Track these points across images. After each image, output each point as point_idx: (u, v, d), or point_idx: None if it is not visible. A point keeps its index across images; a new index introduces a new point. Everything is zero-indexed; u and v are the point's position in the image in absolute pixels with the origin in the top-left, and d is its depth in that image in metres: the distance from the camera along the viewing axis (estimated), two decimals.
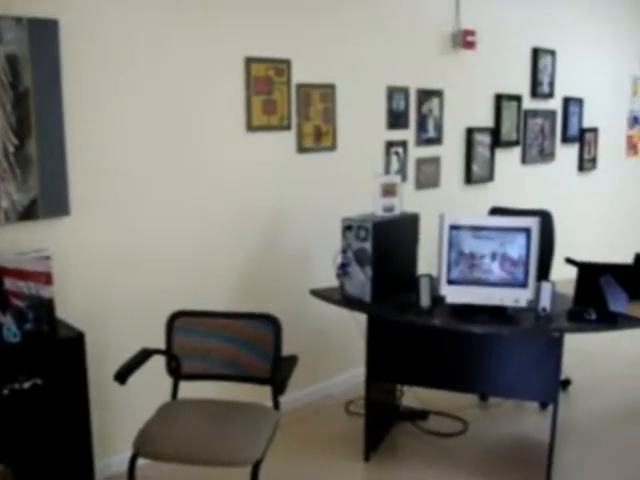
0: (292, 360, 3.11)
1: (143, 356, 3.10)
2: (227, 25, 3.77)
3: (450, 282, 3.52)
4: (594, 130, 7.07)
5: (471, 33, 5.10)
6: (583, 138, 6.90)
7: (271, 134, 4.07)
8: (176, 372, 3.22)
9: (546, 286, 3.44)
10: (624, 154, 7.81)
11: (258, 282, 4.16)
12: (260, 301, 4.11)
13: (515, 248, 3.46)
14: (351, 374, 4.76)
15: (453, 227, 3.50)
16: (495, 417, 4.38)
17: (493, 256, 3.48)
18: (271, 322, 3.15)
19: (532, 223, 3.45)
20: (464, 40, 5.06)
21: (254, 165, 4.02)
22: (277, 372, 3.08)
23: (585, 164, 7.03)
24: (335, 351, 4.67)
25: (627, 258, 7.94)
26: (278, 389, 2.93)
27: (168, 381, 3.24)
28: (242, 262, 4.06)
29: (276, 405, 3.13)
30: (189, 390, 3.26)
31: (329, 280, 3.89)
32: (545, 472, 3.66)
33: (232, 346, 3.22)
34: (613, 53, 7.24)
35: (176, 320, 3.21)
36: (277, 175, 4.16)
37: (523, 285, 3.46)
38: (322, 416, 4.37)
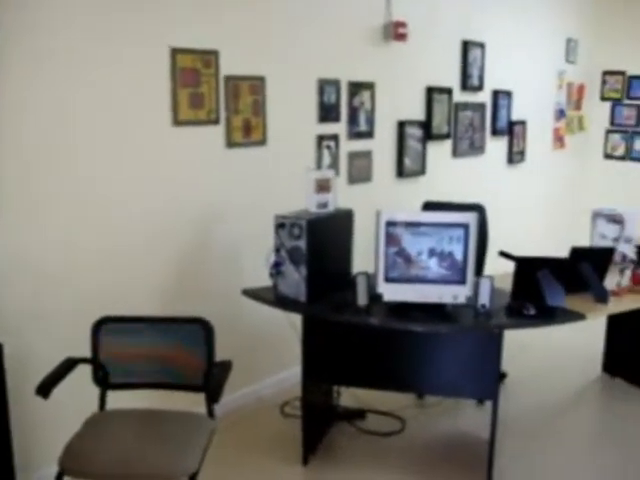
0: (226, 366, 2.97)
1: (67, 366, 2.93)
2: (151, 13, 3.58)
3: (388, 280, 3.43)
4: (522, 123, 7.10)
5: (402, 25, 5.02)
6: (512, 131, 6.93)
7: (199, 129, 3.90)
8: (103, 382, 3.05)
9: (485, 282, 3.39)
10: (551, 147, 7.89)
11: (188, 284, 3.99)
12: (190, 303, 3.94)
13: (453, 244, 3.39)
14: (285, 375, 4.64)
15: (390, 223, 3.41)
16: (432, 414, 4.33)
17: (431, 252, 3.40)
18: (203, 326, 3.01)
19: (470, 218, 3.39)
20: (395, 32, 4.98)
21: (181, 161, 3.85)
22: (210, 379, 2.94)
23: (514, 157, 7.05)
24: (268, 352, 4.54)
25: (557, 249, 8.03)
26: (212, 397, 2.79)
27: (95, 392, 3.06)
28: (170, 263, 3.89)
29: (210, 413, 2.99)
30: (118, 400, 3.09)
31: (262, 280, 3.75)
32: (486, 467, 3.63)
33: (162, 352, 3.06)
34: (539, 47, 7.29)
35: (102, 326, 3.03)
36: (205, 171, 4.00)
37: (461, 282, 3.40)
38: (257, 419, 4.24)
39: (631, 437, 4.19)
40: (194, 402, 3.12)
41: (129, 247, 3.67)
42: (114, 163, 3.54)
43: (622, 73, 8.55)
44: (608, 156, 8.85)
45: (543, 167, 7.73)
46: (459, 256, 3.39)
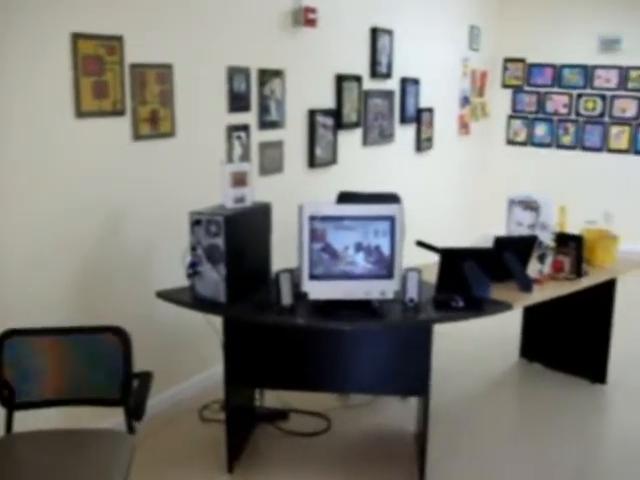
0: (146, 377, 2.76)
1: None
2: None
3: (313, 277, 3.28)
4: (430, 110, 7.10)
5: (312, 10, 4.87)
6: (420, 118, 6.90)
7: (103, 120, 3.63)
8: (9, 401, 2.77)
9: (412, 276, 3.30)
10: (457, 133, 7.93)
11: (97, 289, 3.72)
12: (102, 310, 3.69)
13: (379, 238, 3.28)
14: (202, 376, 4.45)
15: (313, 218, 3.26)
16: (358, 411, 4.22)
17: (357, 247, 3.28)
18: (119, 335, 2.78)
19: (395, 210, 3.28)
20: (305, 17, 4.82)
21: (85, 156, 3.57)
22: (129, 392, 2.72)
23: (422, 144, 7.04)
24: (185, 354, 4.33)
25: (467, 235, 8.13)
26: (135, 414, 2.57)
27: (1, 413, 2.78)
28: (77, 269, 3.60)
29: (130, 429, 2.77)
30: (28, 421, 2.82)
31: (179, 280, 3.54)
32: (416, 461, 3.57)
33: (75, 366, 2.82)
34: (444, 34, 7.30)
35: (6, 340, 2.75)
36: (111, 166, 3.73)
37: (389, 276, 3.29)
38: (176, 427, 4.01)
39: (551, 419, 4.24)
40: (105, 415, 2.90)
41: (29, 254, 3.36)
42: (10, 161, 3.23)
43: (522, 60, 8.71)
44: (510, 142, 9.01)
45: (450, 153, 7.78)
46: (386, 250, 3.28)
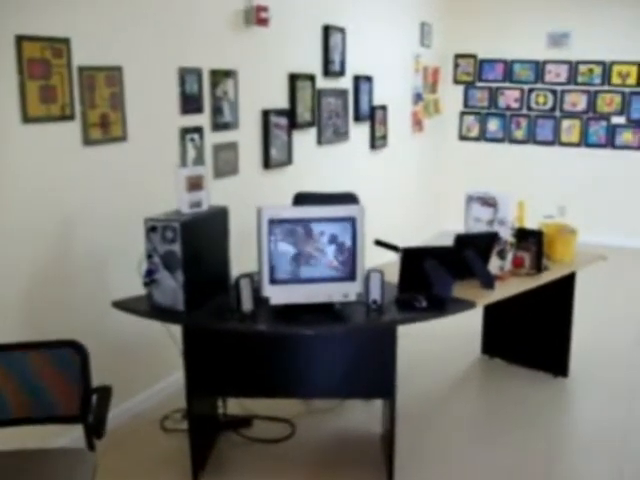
0: (105, 392, 2.66)
1: None
2: None
3: (273, 282, 3.21)
4: (383, 108, 7.07)
5: (264, 9, 4.78)
6: (374, 116, 6.88)
7: (52, 126, 3.50)
8: None
9: (375, 277, 3.25)
10: (410, 130, 7.93)
11: (49, 301, 3.58)
12: (55, 322, 3.56)
13: (340, 240, 3.22)
14: (162, 386, 4.35)
15: (272, 221, 3.19)
16: (323, 416, 4.16)
17: (317, 250, 3.21)
18: (75, 350, 2.68)
19: (356, 212, 3.23)
20: (257, 16, 4.74)
21: (33, 162, 3.43)
22: (88, 408, 2.62)
23: (377, 142, 7.02)
24: (142, 364, 4.21)
25: (425, 231, 8.15)
26: (96, 432, 2.47)
27: None
28: (25, 280, 3.46)
29: (91, 445, 2.66)
30: None
31: (136, 289, 3.43)
32: (384, 463, 3.53)
33: (29, 383, 2.70)
34: (396, 31, 7.29)
35: None
36: (61, 173, 3.59)
37: (351, 278, 3.24)
38: (137, 439, 3.90)
39: (516, 415, 4.24)
40: (57, 432, 2.79)
41: None
42: None
43: (473, 56, 8.75)
44: (463, 137, 9.05)
45: (404, 151, 7.78)
46: (347, 252, 3.22)
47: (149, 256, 3.29)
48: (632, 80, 8.16)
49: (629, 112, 8.26)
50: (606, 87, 8.28)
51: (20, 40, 3.27)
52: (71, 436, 3.40)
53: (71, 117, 3.60)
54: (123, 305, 3.42)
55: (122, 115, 3.92)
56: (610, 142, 8.39)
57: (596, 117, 8.40)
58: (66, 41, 3.50)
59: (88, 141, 3.72)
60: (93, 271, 3.84)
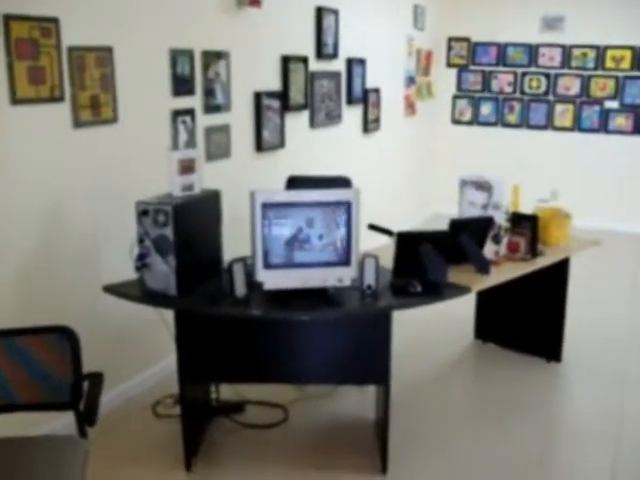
0: (97, 378, 2.62)
1: None
2: None
3: (267, 266, 3.17)
4: (376, 91, 7.02)
5: None
6: (366, 99, 6.82)
7: (41, 107, 3.43)
8: None
9: (370, 262, 3.21)
10: (403, 113, 7.88)
11: (40, 285, 3.53)
12: (46, 307, 3.51)
13: (335, 224, 3.18)
14: (154, 371, 4.31)
15: (266, 205, 3.14)
16: (316, 402, 4.13)
17: (312, 234, 3.17)
18: (66, 335, 2.64)
19: (351, 196, 3.19)
20: None
21: (23, 144, 3.37)
22: (79, 394, 2.58)
23: (370, 125, 6.96)
24: (134, 349, 4.17)
25: (418, 214, 8.12)
26: (88, 420, 2.43)
27: None
28: (16, 265, 3.41)
29: (83, 432, 2.62)
30: None
31: (128, 273, 3.38)
32: (378, 448, 3.52)
33: (20, 369, 2.66)
34: (389, 13, 7.22)
35: None
36: (52, 155, 3.53)
37: (346, 263, 3.20)
38: (129, 424, 3.87)
39: (510, 400, 4.24)
40: (44, 419, 2.75)
41: None
42: None
43: (467, 40, 8.69)
44: (456, 121, 9.01)
45: (397, 134, 7.73)
46: (343, 236, 3.19)
47: (141, 240, 3.24)
48: (626, 64, 8.12)
49: (622, 97, 8.22)
50: (600, 71, 8.24)
51: (8, 20, 3.20)
52: (53, 424, 3.38)
53: (61, 98, 3.54)
54: (114, 290, 3.38)
55: (113, 97, 3.86)
56: (603, 127, 8.36)
57: (589, 101, 8.36)
58: (55, 21, 3.42)
59: (78, 123, 3.66)
60: (84, 255, 3.79)
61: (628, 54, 8.08)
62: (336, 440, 3.77)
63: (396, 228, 4.10)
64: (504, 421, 4.00)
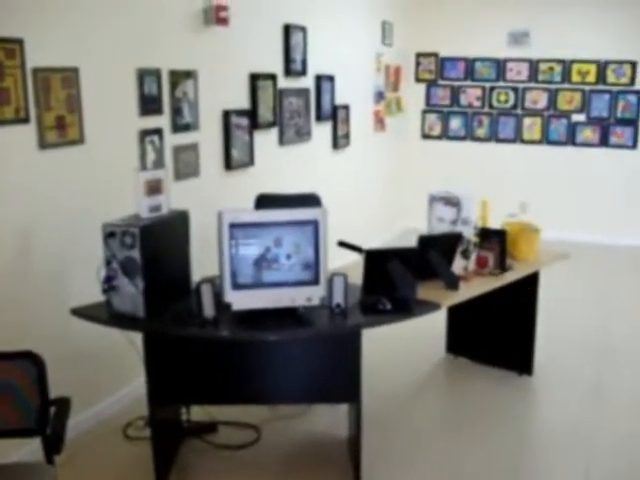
0: (63, 404, 2.59)
1: None
2: None
3: (235, 287, 3.16)
4: (345, 107, 7.04)
5: (224, 8, 4.71)
6: (336, 115, 6.84)
7: (6, 129, 3.40)
8: None
9: (338, 280, 3.22)
10: (372, 129, 7.91)
11: (6, 308, 3.47)
12: (12, 333, 3.44)
13: (303, 243, 3.18)
14: (123, 393, 4.26)
15: (233, 225, 3.13)
16: (288, 421, 4.11)
17: (280, 253, 3.17)
18: (32, 361, 2.60)
19: (318, 214, 3.19)
20: (217, 16, 4.67)
21: None
22: (46, 421, 2.55)
23: (339, 141, 6.99)
24: (103, 372, 4.11)
25: (388, 230, 8.14)
26: (54, 447, 2.40)
27: None
28: None
29: (50, 459, 2.59)
30: None
31: (96, 295, 3.35)
32: (352, 467, 3.52)
33: None
34: (357, 30, 7.27)
35: None
36: (17, 177, 3.49)
37: (315, 282, 3.20)
38: (100, 448, 3.82)
39: (482, 414, 4.25)
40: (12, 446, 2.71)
41: None
42: None
43: (435, 55, 8.76)
44: (426, 136, 9.06)
45: (367, 150, 7.77)
46: (310, 255, 3.19)
47: (108, 262, 3.22)
48: (591, 78, 8.24)
49: (589, 110, 8.34)
50: (566, 85, 8.35)
51: None
52: (21, 451, 3.33)
53: (26, 120, 3.51)
54: (82, 312, 3.35)
55: (79, 117, 3.84)
56: (571, 139, 8.47)
57: (557, 115, 8.46)
58: (19, 42, 3.40)
59: (44, 144, 3.63)
60: (52, 278, 3.74)
61: (593, 68, 8.20)
62: (309, 459, 3.76)
63: (367, 244, 4.11)
64: (477, 435, 4.01)
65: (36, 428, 2.60)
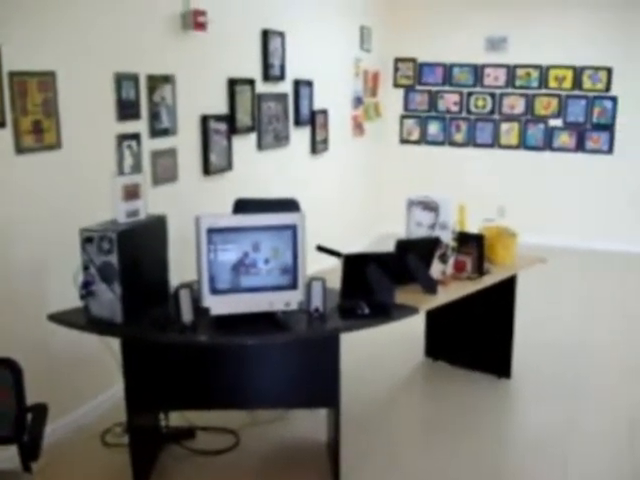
0: (41, 410, 2.57)
1: None
2: None
3: (213, 292, 3.15)
4: (324, 112, 7.06)
5: (202, 13, 4.71)
6: (314, 120, 6.86)
7: None
8: None
9: (317, 284, 3.23)
10: (351, 134, 7.94)
11: None
12: None
13: (281, 248, 3.18)
14: (102, 399, 4.24)
15: (211, 230, 3.13)
16: (267, 426, 4.10)
17: (258, 258, 3.17)
18: (9, 367, 2.58)
19: (296, 219, 3.20)
20: (195, 21, 4.66)
21: None
22: (22, 428, 2.53)
23: (318, 146, 7.00)
24: (81, 378, 4.08)
25: (367, 235, 8.15)
26: (31, 454, 2.38)
27: None
28: None
29: (26, 467, 2.57)
30: None
31: (73, 301, 3.33)
32: (331, 472, 3.52)
33: None
34: (336, 35, 7.29)
35: None
36: None
37: (293, 286, 3.20)
38: (78, 454, 3.79)
39: (462, 417, 4.27)
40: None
41: None
42: None
43: (413, 60, 8.81)
44: (404, 141, 9.10)
45: (345, 155, 7.79)
46: (289, 260, 3.19)
47: (85, 267, 3.20)
48: (567, 84, 8.33)
49: (565, 115, 8.42)
50: (543, 90, 8.43)
51: None
52: (3, 456, 3.30)
53: (2, 124, 3.48)
54: (59, 318, 3.33)
55: (56, 122, 3.81)
56: (548, 144, 8.55)
57: (534, 120, 8.54)
58: None
59: (21, 149, 3.60)
60: (29, 283, 3.72)
61: (569, 74, 8.28)
62: (288, 463, 3.76)
63: (345, 249, 4.12)
64: (456, 438, 4.03)
65: (13, 435, 2.58)
